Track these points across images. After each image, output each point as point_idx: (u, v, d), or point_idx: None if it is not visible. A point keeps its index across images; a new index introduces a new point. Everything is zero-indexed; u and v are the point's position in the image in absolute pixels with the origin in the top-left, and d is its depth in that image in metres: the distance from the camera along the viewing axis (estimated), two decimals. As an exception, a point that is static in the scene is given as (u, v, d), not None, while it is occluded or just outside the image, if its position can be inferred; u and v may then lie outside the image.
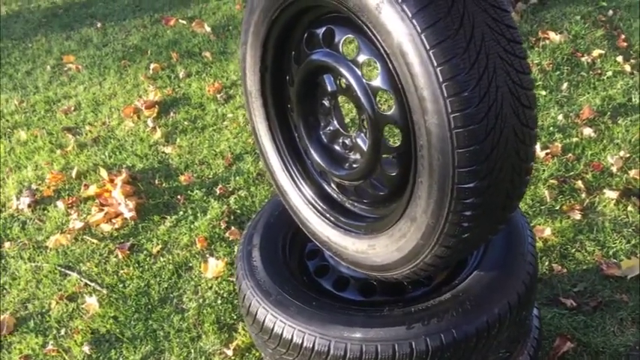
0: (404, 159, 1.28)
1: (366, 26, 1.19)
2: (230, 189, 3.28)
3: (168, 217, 3.15)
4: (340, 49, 1.34)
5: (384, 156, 1.35)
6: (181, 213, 3.16)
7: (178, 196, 3.28)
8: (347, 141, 1.48)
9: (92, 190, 3.40)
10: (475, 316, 1.40)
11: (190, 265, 2.85)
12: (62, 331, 2.63)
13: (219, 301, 2.63)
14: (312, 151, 1.54)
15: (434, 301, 1.46)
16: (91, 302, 2.71)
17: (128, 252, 2.97)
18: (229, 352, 2.39)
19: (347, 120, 3.28)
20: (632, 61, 3.74)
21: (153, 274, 2.83)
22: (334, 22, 1.34)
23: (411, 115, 1.18)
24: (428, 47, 1.09)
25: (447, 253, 1.28)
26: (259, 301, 1.54)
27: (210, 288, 2.70)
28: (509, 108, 1.15)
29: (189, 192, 3.29)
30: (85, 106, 4.29)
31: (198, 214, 3.13)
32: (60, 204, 3.35)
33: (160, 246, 2.97)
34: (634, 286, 2.40)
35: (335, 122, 1.51)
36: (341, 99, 1.51)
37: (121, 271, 2.86)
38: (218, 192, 3.25)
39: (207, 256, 2.85)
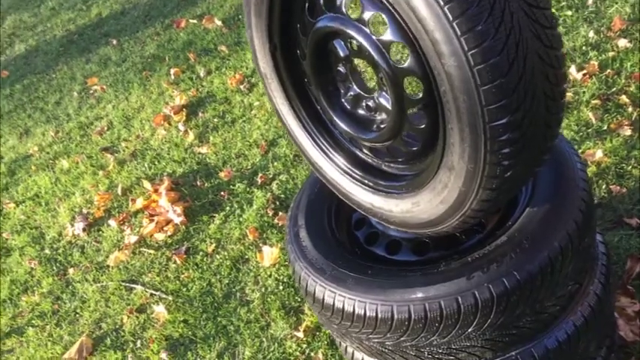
0: (430, 109, 1.23)
1: (364, -21, 1.15)
2: (270, 176, 3.28)
3: (217, 215, 3.18)
4: (344, 11, 1.30)
5: (409, 110, 1.30)
6: (228, 209, 3.19)
7: (222, 193, 3.30)
8: (370, 103, 1.44)
9: (139, 203, 3.46)
10: (535, 254, 1.35)
11: (247, 257, 2.88)
12: (138, 343, 2.70)
13: (280, 287, 2.65)
14: (338, 120, 1.50)
15: (490, 247, 1.41)
16: (160, 310, 2.78)
17: (185, 256, 3.02)
18: (300, 335, 2.41)
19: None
20: (657, -41, 3.52)
21: (212, 273, 2.87)
22: (332, -17, 1.30)
23: (427, 62, 1.13)
24: (431, -13, 1.04)
25: (493, 196, 1.23)
26: (315, 280, 1.52)
27: (270, 276, 2.72)
28: (528, 32, 1.08)
29: (231, 187, 3.31)
30: (117, 123, 4.36)
31: (245, 207, 3.14)
32: (112, 222, 3.43)
33: (214, 244, 3.01)
34: (700, 192, 2.29)
35: (355, 87, 1.47)
36: (357, 61, 1.46)
37: (182, 276, 2.92)
38: (259, 181, 3.26)
39: (261, 245, 2.87)
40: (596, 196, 2.41)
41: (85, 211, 3.62)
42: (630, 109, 2.72)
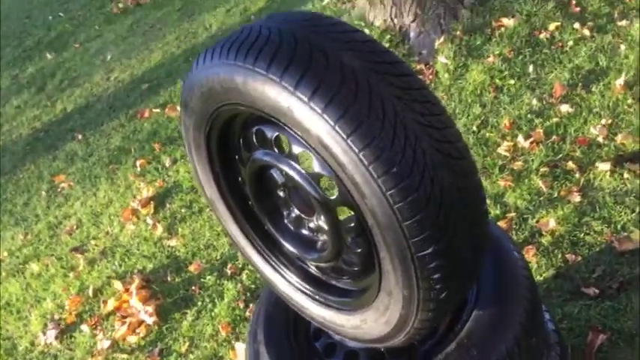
0: (363, 237, 1.29)
1: (286, 126, 1.22)
2: (240, 265, 3.30)
3: (189, 312, 3.17)
4: (274, 147, 1.37)
5: (345, 236, 1.36)
6: (200, 303, 3.18)
7: (193, 287, 3.30)
8: (311, 225, 1.50)
9: (111, 304, 3.44)
10: (483, 361, 1.40)
11: (220, 355, 2.86)
12: None
13: (255, 385, 2.62)
14: (283, 241, 1.55)
15: (441, 356, 1.45)
16: (136, 420, 2.73)
17: (158, 358, 2.99)
18: None
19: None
20: (589, 23, 3.73)
21: (187, 375, 2.84)
22: (261, 122, 1.37)
23: (352, 198, 1.20)
24: (345, 136, 1.11)
25: (432, 315, 1.28)
26: (276, 400, 1.54)
27: (244, 373, 2.70)
28: (441, 167, 1.16)
29: (202, 280, 3.32)
30: (86, 221, 4.36)
31: (216, 300, 3.15)
32: (84, 327, 3.39)
33: (187, 343, 2.99)
34: (650, 255, 2.36)
35: (295, 209, 1.53)
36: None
37: (157, 380, 2.88)
38: (229, 272, 3.27)
39: (233, 342, 2.86)
40: (552, 267, 2.47)
41: (56, 316, 3.58)
42: (577, 175, 2.82)
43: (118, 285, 3.54)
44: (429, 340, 1.56)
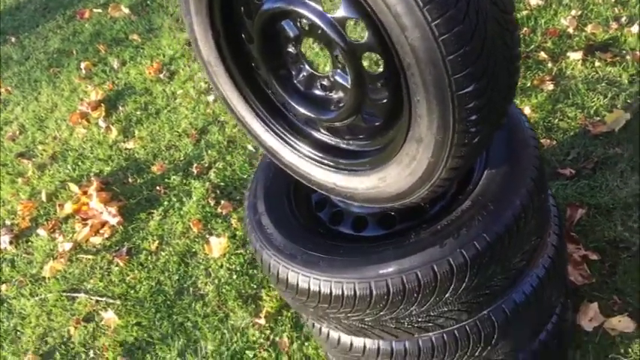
0: (392, 83, 1.22)
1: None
2: (206, 165, 3.20)
3: (155, 211, 3.07)
4: (293, -11, 1.26)
5: (370, 86, 1.29)
6: (166, 203, 3.08)
7: (157, 188, 3.19)
8: (325, 82, 1.42)
9: (69, 208, 3.28)
10: (501, 215, 1.39)
11: (194, 250, 2.80)
12: (91, 353, 2.59)
13: (234, 276, 2.60)
14: (292, 103, 1.47)
15: (457, 213, 1.44)
16: (109, 317, 2.66)
17: (127, 257, 2.90)
18: (262, 321, 2.38)
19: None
20: None
21: (160, 271, 2.78)
22: (277, -39, 1.25)
23: (389, 36, 1.12)
24: (389, -42, 1.02)
25: (461, 163, 1.25)
26: (287, 266, 1.50)
27: (221, 266, 2.67)
28: (485, 1, 1.09)
29: (166, 180, 3.21)
30: (30, 126, 4.09)
31: (184, 199, 3.05)
32: (41, 232, 3.24)
33: (157, 241, 2.91)
34: (623, 136, 2.43)
35: (307, 67, 1.44)
36: (307, 41, 1.44)
37: (128, 278, 2.81)
38: (195, 171, 3.17)
39: (207, 236, 2.80)
40: (530, 151, 2.51)
41: (8, 222, 3.40)
42: (550, 65, 2.84)
43: (74, 188, 3.37)
44: (441, 202, 1.55)
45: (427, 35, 1.06)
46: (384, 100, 1.29)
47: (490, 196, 1.44)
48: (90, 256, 2.99)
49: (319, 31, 1.24)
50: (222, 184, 3.05)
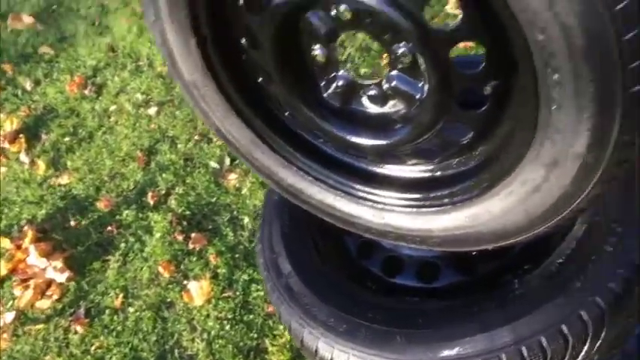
0: (498, 86, 0.82)
1: None
2: (163, 191, 2.70)
3: (112, 258, 2.55)
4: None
5: (458, 92, 0.88)
6: (123, 246, 2.57)
7: (108, 228, 2.67)
8: (374, 92, 0.99)
9: (2, 268, 2.70)
10: (635, 239, 1.03)
11: (169, 300, 2.33)
12: None
13: (227, 327, 2.16)
14: (326, 125, 1.04)
15: (570, 244, 1.06)
16: (79, 401, 2.16)
17: (87, 320, 2.39)
18: (275, 380, 1.96)
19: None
20: None
21: (132, 333, 2.29)
22: None
23: (514, 15, 0.71)
24: None
25: (607, 188, 0.87)
26: (345, 349, 1.09)
27: (208, 316, 2.21)
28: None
29: (117, 217, 2.69)
30: None
31: (144, 238, 2.56)
32: (-28, 303, 2.66)
33: (121, 295, 2.41)
34: None
35: (342, 72, 1.01)
36: (345, 37, 1.00)
37: (93, 348, 2.30)
38: (151, 202, 2.67)
39: (183, 281, 2.33)
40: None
41: None
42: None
43: (5, 243, 2.79)
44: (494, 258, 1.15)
45: (594, 5, 0.66)
46: (482, 109, 0.88)
47: (613, 213, 1.07)
48: (40, 326, 2.45)
49: (369, 19, 0.83)
50: (187, 212, 2.57)
